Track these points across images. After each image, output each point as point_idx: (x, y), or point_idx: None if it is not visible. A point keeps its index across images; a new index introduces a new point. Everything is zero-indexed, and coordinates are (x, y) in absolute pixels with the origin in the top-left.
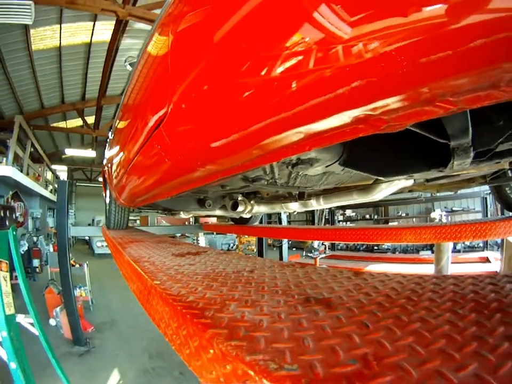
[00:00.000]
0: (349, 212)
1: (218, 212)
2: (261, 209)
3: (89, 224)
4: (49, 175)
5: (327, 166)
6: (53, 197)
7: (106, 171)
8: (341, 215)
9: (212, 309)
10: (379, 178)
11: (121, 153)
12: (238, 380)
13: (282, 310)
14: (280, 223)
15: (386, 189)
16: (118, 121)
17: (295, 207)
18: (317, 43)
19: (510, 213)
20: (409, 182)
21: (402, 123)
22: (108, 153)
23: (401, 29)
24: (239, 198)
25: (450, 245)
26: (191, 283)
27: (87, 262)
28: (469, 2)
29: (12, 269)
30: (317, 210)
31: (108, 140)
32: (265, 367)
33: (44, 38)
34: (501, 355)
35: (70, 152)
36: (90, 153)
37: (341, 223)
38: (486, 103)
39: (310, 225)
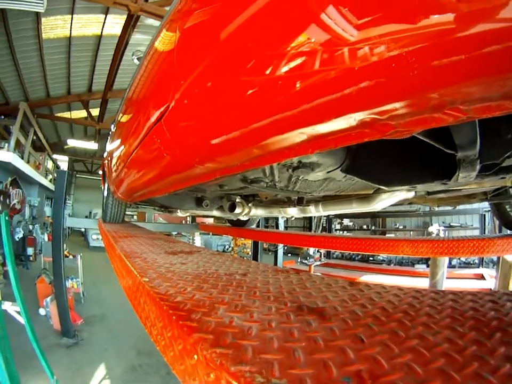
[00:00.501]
0: (346, 221)
1: (215, 213)
2: (259, 212)
3: (86, 217)
4: (50, 165)
5: (328, 172)
6: (52, 186)
7: (106, 164)
8: (338, 223)
9: (200, 312)
10: (381, 187)
11: (122, 147)
12: None
13: (274, 318)
14: (277, 228)
15: (387, 199)
16: (120, 114)
17: (293, 212)
18: (325, 42)
19: (508, 231)
20: (410, 194)
21: (410, 129)
22: (109, 146)
23: (414, 31)
24: (237, 200)
25: (446, 259)
26: (180, 283)
27: (81, 254)
28: (483, 8)
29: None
30: (314, 217)
31: (110, 133)
32: (251, 380)
33: (55, 27)
34: (502, 377)
35: (72, 143)
36: (92, 145)
37: (338, 231)
38: (497, 113)
39: (307, 232)
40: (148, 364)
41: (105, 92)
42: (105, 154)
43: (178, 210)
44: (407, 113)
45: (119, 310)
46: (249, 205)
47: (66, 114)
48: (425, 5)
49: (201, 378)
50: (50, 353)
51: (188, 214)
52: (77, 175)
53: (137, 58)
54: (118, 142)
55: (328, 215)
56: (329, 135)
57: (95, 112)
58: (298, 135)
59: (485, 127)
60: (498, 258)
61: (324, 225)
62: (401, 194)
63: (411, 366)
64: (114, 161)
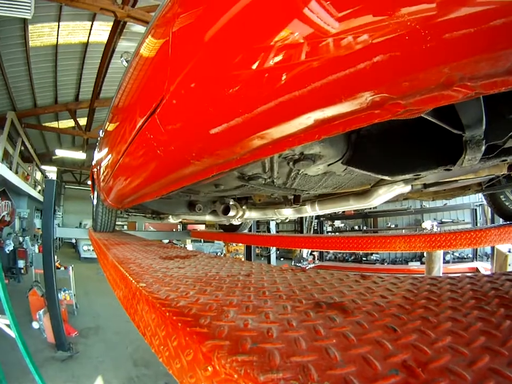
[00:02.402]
0: (337, 223)
1: (209, 217)
2: (253, 215)
3: (76, 227)
4: (38, 175)
5: (329, 165)
6: (41, 198)
7: (95, 172)
8: (329, 225)
9: (208, 316)
10: (382, 178)
11: (111, 151)
12: None
13: (292, 317)
14: (269, 232)
15: (384, 194)
16: (109, 117)
17: (288, 213)
18: (336, 17)
19: (501, 221)
20: (407, 188)
21: (420, 108)
22: (98, 153)
23: (428, 4)
24: (231, 203)
25: (441, 254)
26: (181, 287)
27: (72, 265)
28: None
29: None
30: (305, 220)
31: (98, 140)
32: None
33: (42, 35)
34: None
35: (60, 153)
36: (80, 155)
37: (329, 233)
38: (503, 89)
39: (299, 234)
40: (145, 374)
41: (92, 100)
42: (93, 162)
43: (170, 216)
44: (417, 91)
45: (113, 321)
46: (243, 207)
47: (54, 124)
48: None
49: None
50: (46, 367)
51: (180, 220)
52: (66, 186)
53: (126, 61)
54: (107, 147)
55: (318, 218)
56: (338, 118)
57: (82, 121)
58: (305, 120)
59: (489, 109)
60: (493, 251)
61: (315, 227)
62: (398, 188)
63: (455, 348)
64: (104, 167)
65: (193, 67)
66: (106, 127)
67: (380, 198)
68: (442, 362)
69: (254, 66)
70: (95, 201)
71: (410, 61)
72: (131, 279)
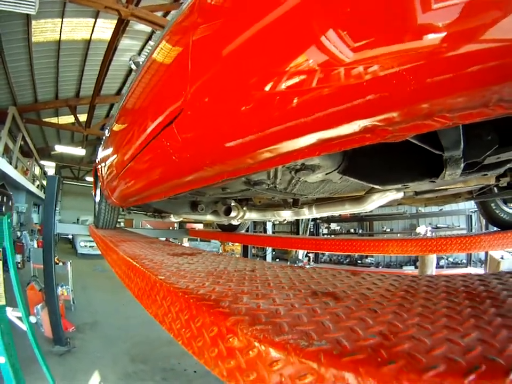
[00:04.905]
0: (333, 226)
1: (209, 217)
2: (253, 215)
3: (73, 223)
4: (37, 171)
5: (326, 174)
6: (39, 193)
7: (99, 169)
8: (325, 228)
9: (226, 301)
10: (375, 187)
11: (121, 151)
12: (264, 362)
13: (294, 301)
14: (265, 233)
15: (377, 200)
16: (117, 119)
17: (287, 215)
18: (337, 61)
19: (494, 228)
20: (399, 195)
21: (405, 134)
22: (104, 151)
23: (412, 54)
24: (232, 204)
25: (434, 259)
26: (196, 279)
27: (71, 261)
28: (467, 33)
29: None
30: (301, 222)
31: (103, 138)
32: (296, 345)
33: (45, 30)
34: (496, 327)
35: (59, 148)
36: (79, 151)
37: (325, 236)
38: (477, 119)
39: (296, 235)
40: (142, 370)
41: (93, 97)
42: (98, 160)
43: (172, 215)
44: (403, 120)
45: (110, 316)
46: (244, 208)
47: (53, 120)
48: (419, 33)
49: (239, 358)
50: None
51: (181, 219)
52: (64, 182)
53: (135, 63)
54: (115, 146)
55: (315, 220)
56: (336, 139)
57: (82, 117)
58: (308, 139)
59: (468, 131)
60: (486, 256)
61: (311, 229)
62: (391, 195)
63: (421, 325)
64: (110, 165)
65: (211, 83)
66: (113, 127)
67: (374, 203)
68: (410, 332)
69: (267, 89)
70: (97, 198)
71: (397, 99)
72: (148, 273)
